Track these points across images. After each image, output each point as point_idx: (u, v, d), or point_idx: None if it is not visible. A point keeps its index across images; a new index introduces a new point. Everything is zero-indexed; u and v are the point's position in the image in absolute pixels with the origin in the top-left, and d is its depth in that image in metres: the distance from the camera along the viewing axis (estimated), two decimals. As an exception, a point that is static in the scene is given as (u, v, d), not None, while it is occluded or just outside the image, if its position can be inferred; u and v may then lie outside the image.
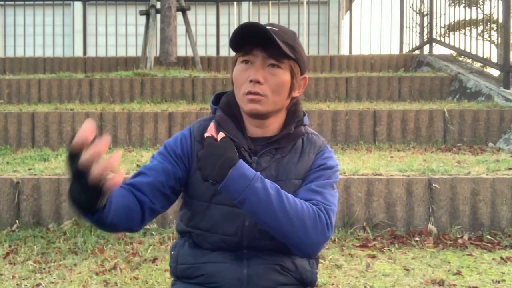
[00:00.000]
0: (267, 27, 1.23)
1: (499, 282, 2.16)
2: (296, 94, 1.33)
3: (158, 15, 6.65)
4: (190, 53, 6.93)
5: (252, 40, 1.24)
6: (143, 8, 6.81)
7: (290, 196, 1.20)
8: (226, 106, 1.34)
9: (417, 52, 7.14)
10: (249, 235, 1.27)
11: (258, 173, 1.18)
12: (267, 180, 1.19)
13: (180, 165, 1.30)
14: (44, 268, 2.35)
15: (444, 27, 10.84)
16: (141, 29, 7.09)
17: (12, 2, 8.31)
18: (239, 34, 1.23)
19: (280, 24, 1.30)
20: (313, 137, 1.38)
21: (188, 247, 1.33)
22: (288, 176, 1.30)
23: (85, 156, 0.92)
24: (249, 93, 1.25)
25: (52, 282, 2.20)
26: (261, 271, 1.27)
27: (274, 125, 1.33)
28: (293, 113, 1.35)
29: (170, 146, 1.32)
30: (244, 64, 1.27)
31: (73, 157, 0.94)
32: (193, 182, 1.31)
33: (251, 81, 1.25)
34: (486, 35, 11.39)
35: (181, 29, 7.12)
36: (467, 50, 5.74)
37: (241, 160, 1.17)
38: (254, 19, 9.10)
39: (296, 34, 1.34)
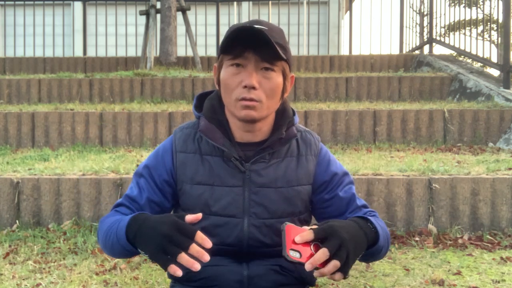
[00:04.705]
0: (257, 26, 1.18)
1: (499, 282, 2.16)
2: (286, 94, 1.29)
3: (158, 15, 6.65)
4: (190, 53, 6.93)
5: (244, 42, 1.18)
6: (143, 8, 6.81)
7: (379, 220, 1.26)
8: (210, 112, 1.28)
9: (417, 52, 7.15)
10: (248, 244, 1.25)
11: (376, 228, 1.15)
12: (372, 218, 1.19)
13: (166, 188, 1.28)
14: (44, 268, 2.35)
15: (444, 27, 10.83)
16: (141, 29, 7.09)
17: (12, 2, 8.31)
18: (234, 35, 1.17)
19: (266, 21, 1.25)
20: (307, 136, 1.34)
21: None
22: (289, 183, 1.27)
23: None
24: (243, 99, 1.19)
25: (52, 282, 2.20)
26: (261, 273, 1.26)
27: (264, 129, 1.28)
28: (282, 114, 1.30)
29: (154, 170, 1.29)
30: (235, 67, 1.21)
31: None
32: (183, 194, 1.28)
33: (245, 86, 1.19)
34: (486, 35, 11.39)
35: (181, 29, 7.12)
36: (467, 50, 5.74)
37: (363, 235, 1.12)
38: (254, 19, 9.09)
39: (283, 31, 1.29)
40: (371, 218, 1.18)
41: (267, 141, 1.27)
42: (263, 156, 1.27)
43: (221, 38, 8.12)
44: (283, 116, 1.30)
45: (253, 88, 1.19)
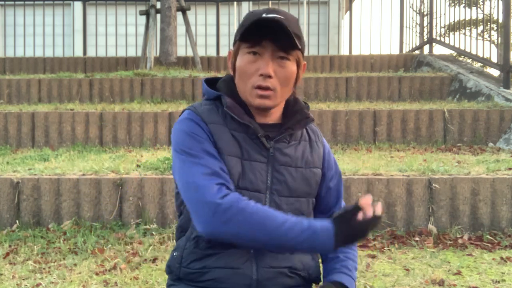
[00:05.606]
0: (275, 15, 1.21)
1: (499, 282, 2.16)
2: (299, 82, 1.33)
3: (158, 15, 6.65)
4: (190, 53, 6.93)
5: (263, 32, 1.21)
6: (143, 8, 6.81)
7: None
8: (230, 92, 1.31)
9: (417, 52, 7.15)
10: None
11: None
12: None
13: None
14: (44, 268, 2.35)
15: (444, 27, 10.84)
16: (141, 29, 7.10)
17: (12, 2, 8.31)
18: (254, 25, 1.20)
19: (282, 10, 1.27)
20: (312, 126, 1.42)
21: (193, 248, 1.27)
22: (307, 164, 1.32)
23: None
24: (259, 87, 1.23)
25: (52, 282, 2.20)
26: (270, 276, 1.26)
27: (276, 114, 1.33)
28: (294, 103, 1.35)
29: (203, 137, 1.23)
30: (252, 55, 1.24)
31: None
32: None
33: (261, 74, 1.23)
34: (486, 35, 11.39)
35: (181, 29, 7.12)
36: (467, 50, 5.74)
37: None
38: (254, 19, 9.09)
39: (298, 19, 1.31)
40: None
41: (290, 122, 1.32)
42: (284, 136, 1.31)
43: (221, 38, 8.09)
44: (296, 103, 1.36)
45: (269, 76, 1.23)
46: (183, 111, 1.32)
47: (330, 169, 1.39)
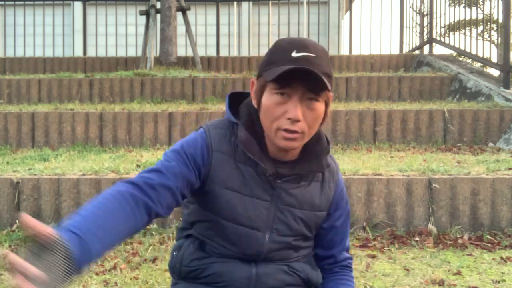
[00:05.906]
0: (307, 53, 1.14)
1: (499, 282, 2.16)
2: (326, 119, 1.26)
3: (158, 15, 6.65)
4: (190, 53, 6.93)
5: (294, 75, 1.14)
6: (143, 8, 6.82)
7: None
8: (249, 122, 1.25)
9: (417, 52, 7.15)
10: (266, 257, 1.28)
11: None
12: None
13: (196, 173, 1.21)
14: (44, 268, 2.35)
15: (444, 27, 10.84)
16: (141, 29, 7.10)
17: (12, 2, 8.32)
18: (285, 71, 1.13)
19: (311, 41, 1.20)
20: (331, 164, 1.35)
21: (195, 249, 1.30)
22: (312, 207, 1.29)
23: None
24: (286, 130, 1.17)
25: (52, 282, 2.20)
26: (269, 271, 1.27)
27: (296, 150, 1.27)
28: (317, 140, 1.28)
29: (190, 152, 1.22)
30: (280, 95, 1.17)
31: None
32: (211, 195, 1.24)
33: (289, 118, 1.16)
34: (486, 35, 11.39)
35: (181, 29, 7.12)
36: (467, 50, 5.74)
37: None
38: (254, 19, 9.10)
39: (326, 50, 1.24)
40: None
41: (303, 167, 1.26)
42: (294, 178, 1.27)
43: (221, 38, 8.04)
44: (318, 142, 1.29)
45: (298, 121, 1.17)
46: (199, 127, 1.30)
47: (338, 208, 1.36)
